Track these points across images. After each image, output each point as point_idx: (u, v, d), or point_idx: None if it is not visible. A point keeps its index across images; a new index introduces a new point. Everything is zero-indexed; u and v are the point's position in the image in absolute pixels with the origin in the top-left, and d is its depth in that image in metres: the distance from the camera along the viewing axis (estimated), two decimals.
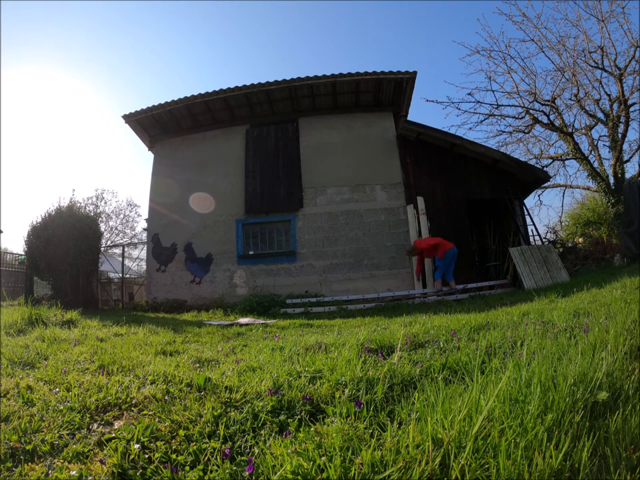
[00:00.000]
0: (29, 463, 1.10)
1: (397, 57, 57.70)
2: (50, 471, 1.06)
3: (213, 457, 1.10)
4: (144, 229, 13.28)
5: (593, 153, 11.67)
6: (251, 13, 62.67)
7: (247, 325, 4.63)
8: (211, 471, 1.03)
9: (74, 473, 1.04)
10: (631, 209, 7.03)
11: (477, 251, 10.37)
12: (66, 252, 7.49)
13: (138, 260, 15.19)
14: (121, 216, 20.65)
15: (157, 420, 1.35)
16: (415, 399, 1.27)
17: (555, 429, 1.02)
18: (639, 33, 9.82)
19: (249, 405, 1.43)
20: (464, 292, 6.98)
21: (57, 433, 1.27)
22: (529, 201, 32.50)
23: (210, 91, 8.45)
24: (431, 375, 1.68)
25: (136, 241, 19.10)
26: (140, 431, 1.21)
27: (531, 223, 11.47)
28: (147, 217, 9.61)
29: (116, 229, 20.56)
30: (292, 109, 8.96)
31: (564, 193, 13.96)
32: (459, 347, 2.10)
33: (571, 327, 2.22)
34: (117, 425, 1.37)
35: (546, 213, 52.69)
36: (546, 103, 11.33)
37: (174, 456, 1.12)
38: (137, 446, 1.14)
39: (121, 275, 11.26)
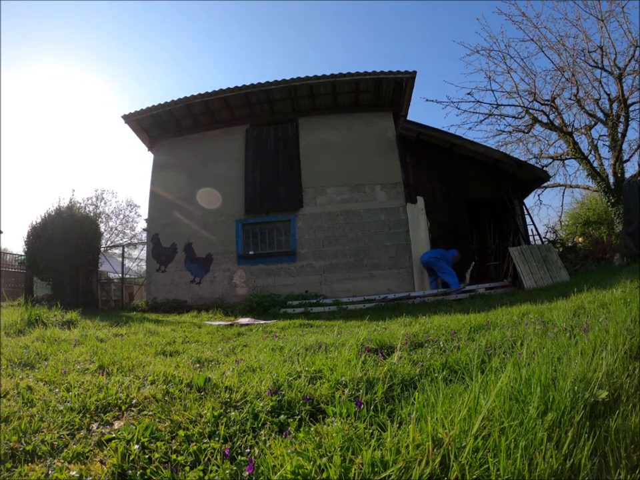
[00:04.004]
0: (29, 464, 1.10)
1: (397, 56, 57.70)
2: (50, 472, 1.06)
3: (213, 457, 1.10)
4: (144, 229, 13.29)
5: (592, 152, 11.67)
6: (250, 13, 62.65)
7: (247, 325, 4.63)
8: (211, 471, 1.03)
9: (74, 473, 1.04)
10: (630, 208, 7.03)
11: (477, 250, 10.37)
12: (66, 252, 7.49)
13: (138, 260, 15.18)
14: (121, 216, 20.71)
15: (156, 420, 1.34)
16: (415, 398, 1.27)
17: (555, 429, 1.02)
18: (638, 33, 9.83)
19: (249, 405, 1.43)
20: (464, 292, 6.99)
21: (57, 433, 1.27)
22: (529, 201, 32.51)
23: (210, 91, 8.46)
24: (430, 374, 1.68)
25: (136, 241, 19.13)
26: (140, 431, 1.21)
27: (531, 223, 11.47)
28: (146, 217, 9.62)
29: (116, 229, 20.60)
30: (292, 109, 8.95)
31: (564, 193, 13.96)
32: (458, 346, 2.10)
33: (570, 327, 2.22)
34: (116, 425, 1.37)
35: (546, 212, 52.73)
36: (545, 102, 11.33)
37: (174, 456, 1.12)
38: (136, 446, 1.14)
39: (120, 275, 11.26)
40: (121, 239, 20.32)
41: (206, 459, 1.10)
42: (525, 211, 9.27)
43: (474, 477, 0.89)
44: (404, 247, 7.96)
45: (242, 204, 8.49)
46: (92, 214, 9.61)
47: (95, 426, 1.36)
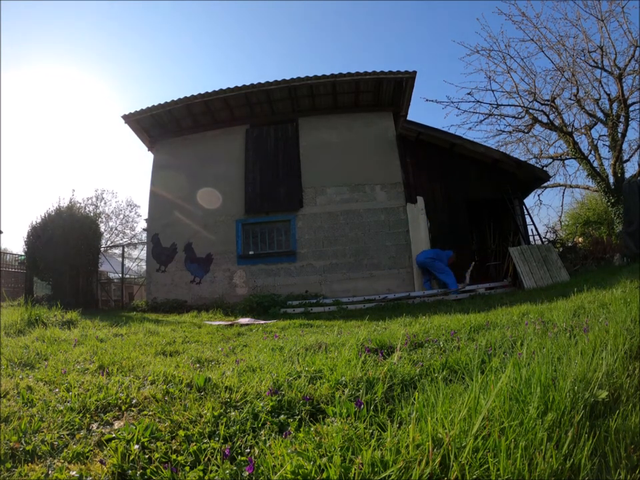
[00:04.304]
0: (29, 464, 1.10)
1: (397, 56, 57.71)
2: (50, 471, 1.06)
3: (213, 457, 1.10)
4: (144, 229, 13.29)
5: (592, 152, 11.67)
6: (250, 13, 62.65)
7: (247, 325, 4.63)
8: (211, 471, 1.03)
9: (74, 473, 1.04)
10: (630, 208, 7.04)
11: (477, 250, 10.37)
12: (66, 252, 7.49)
13: (138, 260, 15.18)
14: (121, 216, 20.73)
15: (156, 420, 1.34)
16: (415, 398, 1.27)
17: (555, 429, 1.02)
18: (638, 33, 9.83)
19: (249, 405, 1.43)
20: (464, 292, 6.98)
21: (57, 433, 1.27)
22: (529, 201, 32.54)
23: (210, 90, 8.46)
24: (430, 374, 1.68)
25: (136, 241, 19.14)
26: (140, 431, 1.21)
27: (531, 223, 11.47)
28: (146, 217, 9.62)
29: (116, 229, 20.61)
30: (292, 109, 8.95)
31: (564, 193, 13.96)
32: (458, 346, 2.10)
33: (570, 327, 2.22)
34: (116, 425, 1.37)
35: (546, 212, 52.77)
36: (545, 102, 11.33)
37: (174, 456, 1.12)
38: (136, 446, 1.14)
39: (120, 275, 11.26)
40: (121, 239, 20.34)
41: (206, 459, 1.09)
42: (525, 211, 9.27)
43: (474, 477, 0.89)
44: (404, 247, 7.96)
45: (242, 204, 8.49)
46: (92, 214, 9.62)
47: (94, 426, 1.36)
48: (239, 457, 1.11)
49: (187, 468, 1.06)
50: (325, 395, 1.49)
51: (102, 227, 15.39)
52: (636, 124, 10.96)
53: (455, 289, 7.01)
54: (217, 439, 1.21)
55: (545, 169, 11.45)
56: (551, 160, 12.62)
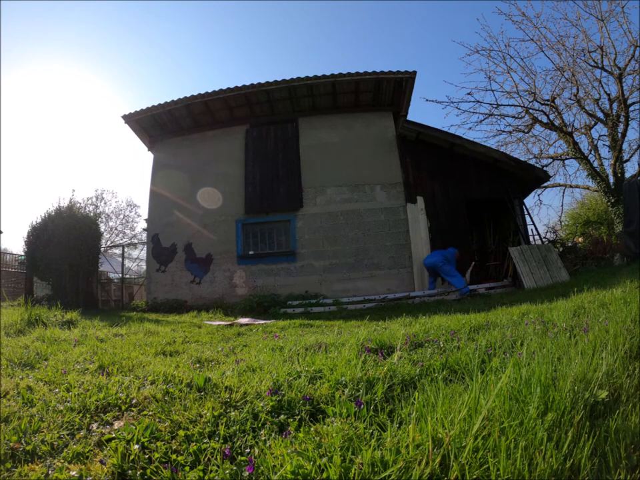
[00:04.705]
0: (29, 464, 1.10)
1: (397, 56, 57.76)
2: (50, 472, 1.06)
3: (213, 457, 1.10)
4: (144, 229, 13.30)
5: (592, 152, 11.66)
6: (250, 13, 62.72)
7: (246, 325, 4.63)
8: (211, 471, 1.03)
9: (74, 473, 1.04)
10: (630, 208, 7.04)
11: (477, 250, 10.36)
12: (66, 252, 7.50)
13: (138, 260, 15.17)
14: (121, 216, 20.72)
15: (156, 420, 1.34)
16: (414, 398, 1.27)
17: (555, 429, 1.02)
18: (638, 33, 9.83)
19: (249, 405, 1.43)
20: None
21: (57, 433, 1.27)
22: (529, 201, 32.56)
23: (210, 91, 8.47)
24: (430, 374, 1.68)
25: (136, 241, 19.14)
26: (140, 431, 1.21)
27: (531, 223, 11.45)
28: (146, 217, 9.62)
29: (116, 229, 20.61)
30: (292, 109, 8.96)
31: (564, 193, 13.95)
32: (458, 346, 2.10)
33: (570, 327, 2.22)
34: (116, 425, 1.37)
35: (546, 212, 52.73)
36: (545, 102, 11.33)
37: (174, 456, 1.12)
38: (136, 446, 1.14)
39: (120, 275, 11.26)
40: (121, 239, 20.33)
41: (206, 459, 1.09)
42: (525, 210, 9.26)
43: (474, 477, 0.89)
44: (404, 247, 7.96)
45: (242, 204, 8.49)
46: (92, 214, 9.63)
47: (94, 426, 1.36)
48: (239, 456, 1.11)
49: (187, 468, 1.06)
50: (325, 395, 1.49)
51: (102, 227, 15.37)
52: (636, 124, 10.97)
53: (467, 290, 6.86)
54: (217, 438, 1.21)
55: (544, 168, 11.44)
56: (551, 160, 12.62)
